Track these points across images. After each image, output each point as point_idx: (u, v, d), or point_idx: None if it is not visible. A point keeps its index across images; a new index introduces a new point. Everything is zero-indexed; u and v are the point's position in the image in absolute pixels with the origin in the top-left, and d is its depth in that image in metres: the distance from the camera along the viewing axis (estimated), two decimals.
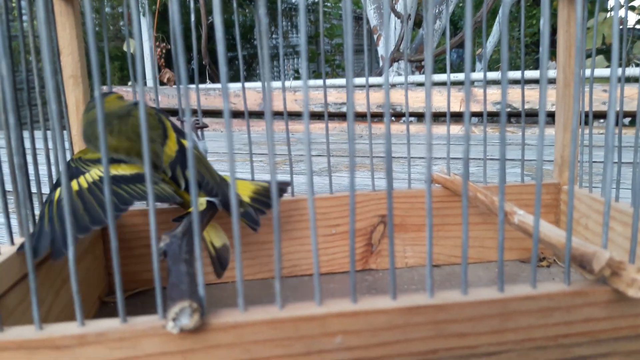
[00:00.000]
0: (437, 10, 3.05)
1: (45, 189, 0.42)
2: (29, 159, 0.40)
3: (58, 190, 0.40)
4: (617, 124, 0.39)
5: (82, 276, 0.44)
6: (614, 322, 0.29)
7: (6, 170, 0.35)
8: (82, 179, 0.40)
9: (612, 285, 0.28)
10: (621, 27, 0.52)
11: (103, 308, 0.48)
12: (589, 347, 0.29)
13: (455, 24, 5.29)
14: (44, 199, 0.40)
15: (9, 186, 0.34)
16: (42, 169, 0.41)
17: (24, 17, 0.39)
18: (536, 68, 3.79)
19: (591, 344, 0.29)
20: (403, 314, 0.27)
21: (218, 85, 2.65)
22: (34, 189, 0.40)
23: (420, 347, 0.28)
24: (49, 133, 0.41)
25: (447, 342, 0.28)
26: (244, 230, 0.52)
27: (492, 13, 3.59)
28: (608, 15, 2.49)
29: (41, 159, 0.41)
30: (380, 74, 2.90)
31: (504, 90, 0.26)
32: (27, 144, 0.40)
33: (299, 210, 0.52)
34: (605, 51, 2.73)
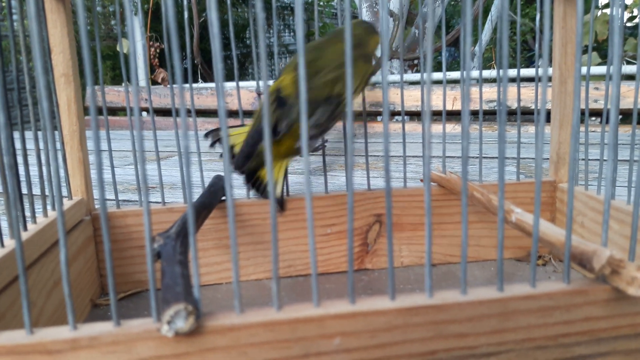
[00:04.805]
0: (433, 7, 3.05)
1: (36, 190, 0.42)
2: (20, 159, 0.39)
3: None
4: (607, 121, 0.39)
5: (74, 278, 0.44)
6: (614, 321, 0.29)
7: None
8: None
9: (612, 283, 0.28)
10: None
11: (95, 310, 0.47)
12: (589, 346, 0.29)
13: (447, 22, 5.30)
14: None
15: None
16: (33, 170, 0.40)
17: (14, 17, 0.39)
18: (528, 66, 3.79)
19: (591, 343, 0.29)
20: (402, 315, 0.27)
21: (210, 85, 2.64)
22: (24, 190, 0.40)
23: (420, 348, 0.27)
24: (39, 134, 0.41)
25: (446, 343, 0.28)
26: (237, 231, 0.51)
27: (484, 12, 3.60)
28: (600, 12, 2.50)
29: (32, 159, 0.40)
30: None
31: (505, 86, 0.26)
32: (18, 144, 0.40)
33: (294, 209, 0.52)
34: (597, 48, 2.74)
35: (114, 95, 2.52)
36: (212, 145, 0.50)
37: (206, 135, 0.50)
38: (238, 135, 0.50)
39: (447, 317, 0.27)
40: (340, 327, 0.26)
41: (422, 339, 0.27)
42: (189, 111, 0.63)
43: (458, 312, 0.27)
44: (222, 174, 0.51)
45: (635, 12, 2.90)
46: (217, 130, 0.51)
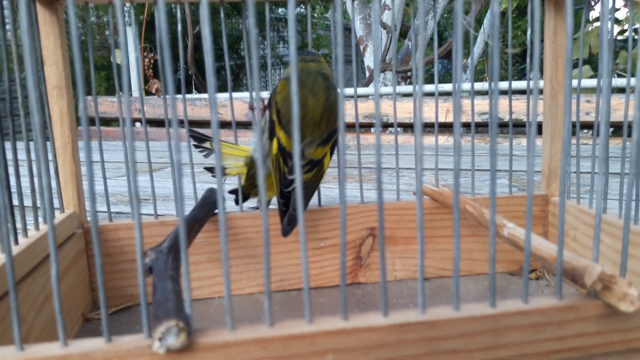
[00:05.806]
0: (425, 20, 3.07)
1: (28, 202, 0.41)
2: (11, 170, 0.39)
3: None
4: (599, 134, 0.39)
5: (65, 293, 0.43)
6: (606, 337, 0.29)
7: None
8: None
9: (603, 299, 0.28)
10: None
11: (87, 325, 0.46)
12: None
13: (440, 34, 5.34)
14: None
15: None
16: (24, 181, 0.40)
17: (7, 27, 0.39)
18: (520, 79, 3.82)
19: (583, 359, 0.29)
20: (395, 331, 0.27)
21: (204, 96, 2.64)
22: (15, 202, 0.39)
23: None
24: (31, 144, 0.40)
25: (439, 359, 0.27)
26: (230, 244, 0.51)
27: (477, 23, 3.63)
28: (592, 26, 2.53)
29: (23, 170, 0.40)
30: (366, 85, 2.91)
31: (496, 99, 0.26)
32: (9, 155, 0.39)
33: None
34: (588, 61, 2.77)
35: (108, 105, 2.51)
36: (201, 150, 0.52)
37: (191, 136, 0.51)
38: (228, 154, 0.51)
39: (440, 333, 0.27)
40: (333, 343, 0.26)
41: (414, 356, 0.27)
42: (182, 122, 0.63)
43: (451, 328, 0.27)
44: (215, 186, 0.50)
45: (626, 26, 2.94)
46: (202, 136, 0.52)
